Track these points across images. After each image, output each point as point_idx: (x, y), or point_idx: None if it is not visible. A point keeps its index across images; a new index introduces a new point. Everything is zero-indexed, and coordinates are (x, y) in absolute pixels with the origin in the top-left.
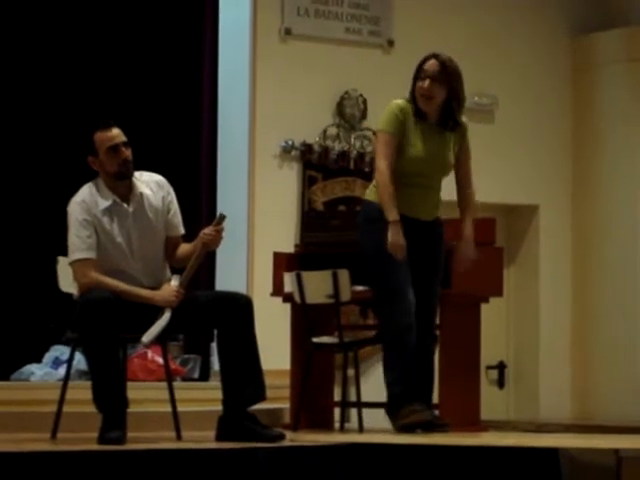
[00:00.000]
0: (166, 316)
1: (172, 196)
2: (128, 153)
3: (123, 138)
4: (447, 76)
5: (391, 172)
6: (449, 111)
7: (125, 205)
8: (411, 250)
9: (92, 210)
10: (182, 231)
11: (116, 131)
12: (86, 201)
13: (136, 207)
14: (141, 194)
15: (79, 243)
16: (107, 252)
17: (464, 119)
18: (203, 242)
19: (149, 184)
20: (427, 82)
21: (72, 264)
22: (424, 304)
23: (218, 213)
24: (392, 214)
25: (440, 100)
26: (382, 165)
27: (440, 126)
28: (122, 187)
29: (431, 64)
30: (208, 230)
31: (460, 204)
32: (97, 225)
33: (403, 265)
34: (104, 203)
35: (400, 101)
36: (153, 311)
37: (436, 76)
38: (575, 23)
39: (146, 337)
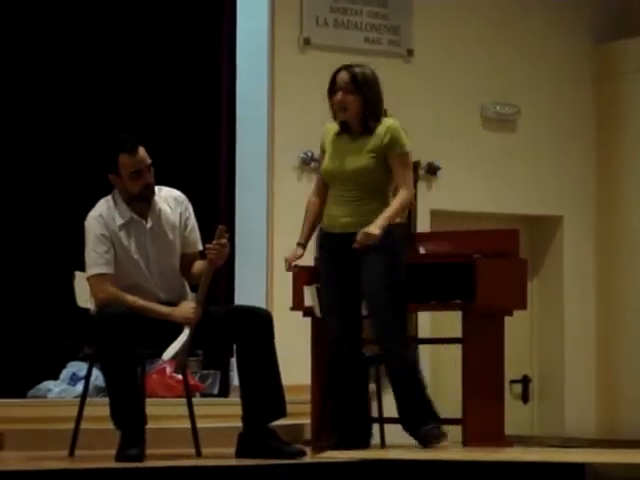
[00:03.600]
0: (185, 333)
1: (190, 212)
2: (151, 177)
3: (148, 161)
4: (358, 86)
5: (313, 198)
6: (365, 118)
7: (143, 221)
8: (342, 267)
9: (109, 225)
10: (199, 248)
11: (141, 154)
12: (103, 216)
13: (154, 223)
14: (159, 210)
15: (96, 258)
16: (124, 267)
17: (389, 121)
18: (209, 259)
19: (167, 200)
20: (340, 94)
21: (89, 279)
22: (353, 320)
23: (218, 227)
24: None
25: (355, 110)
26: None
27: (362, 136)
28: (141, 204)
29: (341, 76)
30: (211, 245)
31: None
32: (114, 240)
33: (326, 290)
34: (122, 219)
35: (328, 125)
36: (171, 327)
37: (347, 87)
38: (598, 31)
39: (166, 354)
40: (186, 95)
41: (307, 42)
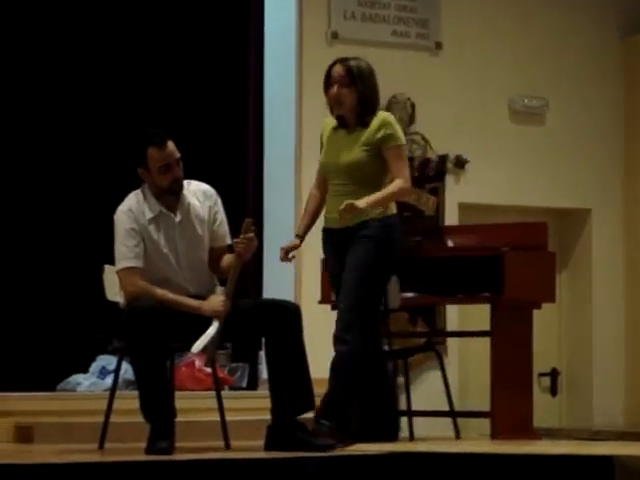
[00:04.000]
0: (215, 326)
1: (219, 206)
2: (180, 171)
3: (177, 155)
4: (353, 79)
5: (314, 191)
6: (359, 111)
7: (172, 215)
8: (338, 260)
9: (139, 219)
10: (228, 241)
11: (170, 148)
12: (133, 210)
13: (183, 217)
14: (188, 204)
15: (126, 252)
16: (154, 261)
17: (382, 115)
18: (236, 252)
19: (196, 194)
20: (335, 88)
21: (119, 273)
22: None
23: (245, 220)
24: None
25: (350, 103)
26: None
27: (357, 129)
28: (170, 198)
29: (336, 70)
30: (238, 240)
31: None
32: (144, 234)
33: (332, 276)
34: (151, 212)
35: (327, 119)
36: (200, 320)
37: (342, 80)
38: (626, 24)
39: (195, 347)
40: (214, 90)
41: (335, 36)
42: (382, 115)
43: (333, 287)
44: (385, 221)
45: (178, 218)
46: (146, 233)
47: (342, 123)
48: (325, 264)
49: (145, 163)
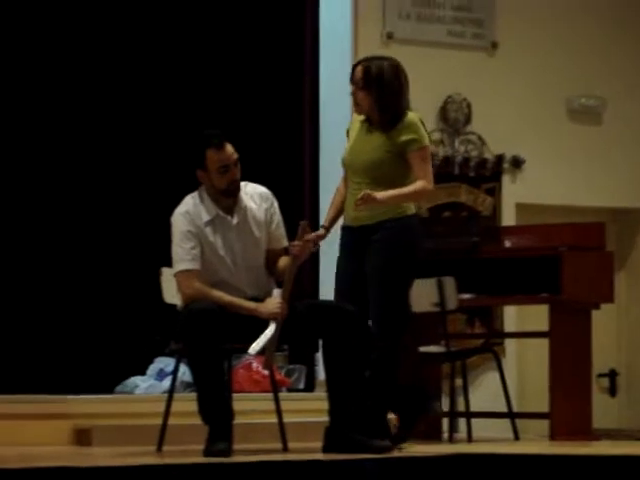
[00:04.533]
0: (272, 328)
1: (275, 208)
2: (238, 172)
3: (235, 157)
4: (369, 83)
5: (340, 184)
6: (379, 113)
7: (229, 217)
8: (355, 257)
9: (196, 221)
10: (284, 244)
11: (229, 150)
12: (190, 212)
13: (240, 220)
14: (245, 206)
15: (183, 254)
16: (211, 264)
17: (410, 117)
18: (292, 254)
19: (253, 196)
20: (352, 89)
21: (176, 275)
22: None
23: (300, 223)
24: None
25: (367, 106)
26: None
27: (381, 127)
28: (227, 200)
29: (356, 71)
30: (294, 242)
31: None
32: (201, 237)
33: (338, 274)
34: (208, 215)
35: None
36: (257, 322)
37: (359, 83)
38: None
39: (252, 349)
40: (270, 91)
41: (390, 36)
42: (409, 117)
43: (337, 285)
44: (403, 221)
45: (235, 220)
46: (203, 236)
47: (369, 119)
48: (339, 261)
49: (204, 165)
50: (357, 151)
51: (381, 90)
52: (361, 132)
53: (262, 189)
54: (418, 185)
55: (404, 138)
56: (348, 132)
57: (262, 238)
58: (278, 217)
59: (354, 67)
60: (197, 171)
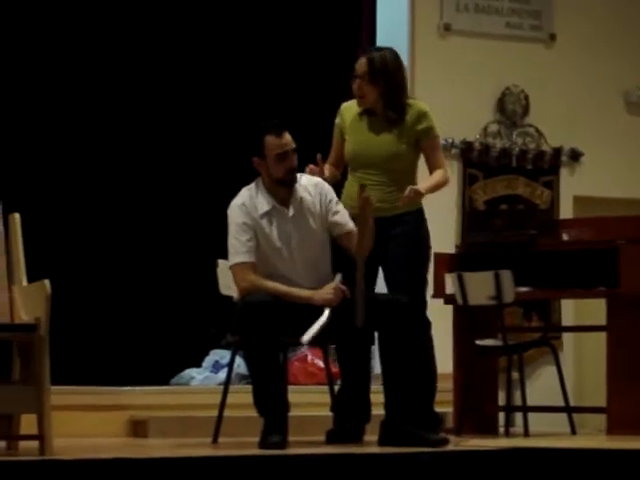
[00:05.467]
0: (325, 314)
1: (330, 196)
2: (295, 161)
3: (293, 145)
4: (375, 75)
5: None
6: (387, 106)
7: (285, 209)
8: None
9: (252, 214)
10: (351, 226)
11: (287, 137)
12: (246, 204)
13: (296, 211)
14: (301, 198)
15: (239, 246)
16: (267, 256)
17: (419, 106)
18: (360, 208)
19: (307, 188)
20: (357, 82)
21: (231, 268)
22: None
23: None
24: None
25: (372, 98)
26: None
27: (387, 119)
28: (283, 191)
29: (360, 63)
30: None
31: None
32: (257, 229)
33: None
34: (264, 207)
35: (346, 102)
36: (314, 312)
37: (364, 75)
38: None
39: (306, 336)
40: (326, 83)
41: (447, 28)
42: (418, 106)
43: None
44: (419, 214)
45: (291, 212)
46: (259, 227)
47: (368, 111)
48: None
49: (262, 152)
50: (371, 145)
51: (387, 81)
52: (362, 124)
53: (316, 179)
54: (442, 175)
55: (420, 127)
56: (339, 124)
57: (318, 229)
58: (335, 204)
59: (356, 61)
60: (254, 159)
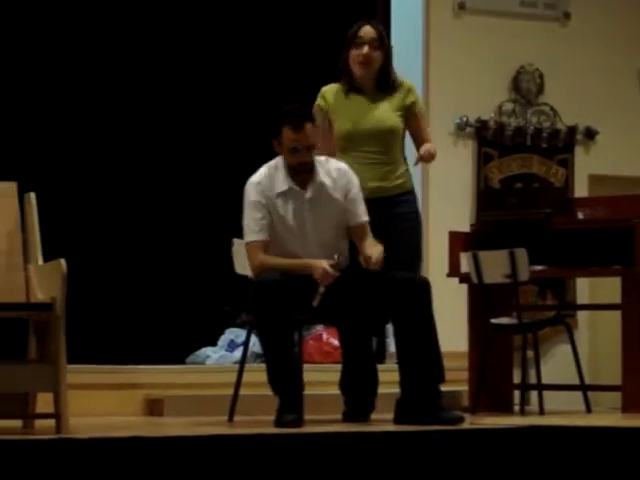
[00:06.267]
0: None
1: (353, 184)
2: (309, 157)
3: (309, 142)
4: (382, 42)
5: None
6: (384, 77)
7: (302, 191)
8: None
9: (267, 192)
10: (364, 219)
11: (306, 133)
12: (262, 183)
13: (313, 194)
14: (321, 182)
15: (252, 225)
16: (281, 236)
17: (407, 82)
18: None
19: (330, 172)
20: (365, 48)
21: (246, 245)
22: None
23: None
24: None
25: (377, 65)
26: None
27: (378, 93)
28: (301, 174)
29: (367, 30)
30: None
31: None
32: (270, 208)
33: None
34: (281, 187)
35: (326, 86)
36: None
37: (373, 42)
38: None
39: (315, 301)
40: (339, 71)
41: (462, 7)
42: (404, 80)
43: None
44: (414, 194)
45: (309, 195)
46: (273, 207)
47: (354, 88)
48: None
49: (279, 138)
50: (369, 119)
51: (389, 49)
52: (351, 101)
53: (341, 165)
54: (434, 147)
55: (411, 99)
56: (324, 105)
57: (335, 214)
58: (354, 194)
59: (358, 28)
60: (274, 142)
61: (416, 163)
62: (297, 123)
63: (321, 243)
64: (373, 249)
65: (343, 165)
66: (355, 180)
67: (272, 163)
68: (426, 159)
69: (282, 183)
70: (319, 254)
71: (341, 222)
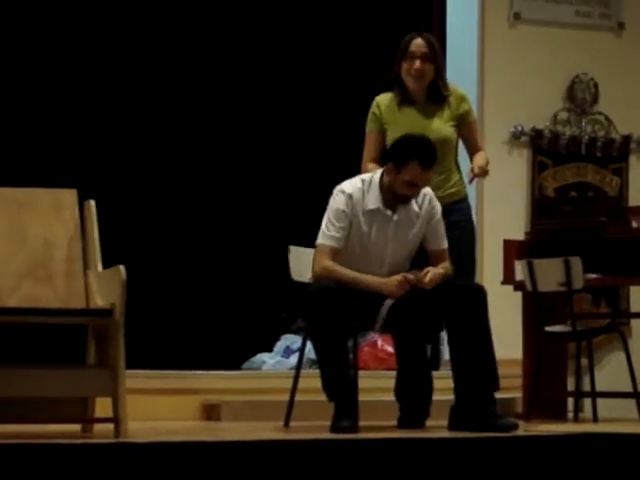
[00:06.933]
0: (387, 302)
1: (436, 211)
2: (417, 193)
3: (427, 183)
4: (434, 54)
5: (372, 165)
6: (435, 89)
7: (390, 213)
8: None
9: (356, 207)
10: (443, 245)
11: (428, 176)
12: (354, 197)
13: (400, 218)
14: (409, 207)
15: (331, 229)
16: (355, 254)
17: (459, 90)
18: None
19: (417, 197)
20: (417, 62)
21: (317, 246)
22: None
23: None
24: None
25: (429, 78)
26: (362, 168)
27: (430, 105)
28: (394, 199)
29: (419, 44)
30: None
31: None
32: (353, 222)
33: None
34: (371, 204)
35: (380, 95)
36: (380, 299)
37: (425, 55)
38: None
39: (376, 328)
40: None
41: (517, 17)
42: (456, 88)
43: None
44: (468, 202)
45: (396, 217)
46: (356, 221)
47: (407, 99)
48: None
49: (400, 165)
50: (418, 128)
51: (441, 60)
52: (403, 113)
53: (427, 190)
54: (486, 156)
55: (464, 108)
56: (379, 117)
57: (415, 239)
58: (437, 219)
59: (410, 41)
60: (389, 163)
61: (470, 181)
62: (428, 162)
63: (393, 264)
64: (432, 270)
65: (428, 190)
66: (438, 206)
67: (367, 178)
68: (479, 176)
69: (373, 201)
70: (386, 274)
71: (416, 246)
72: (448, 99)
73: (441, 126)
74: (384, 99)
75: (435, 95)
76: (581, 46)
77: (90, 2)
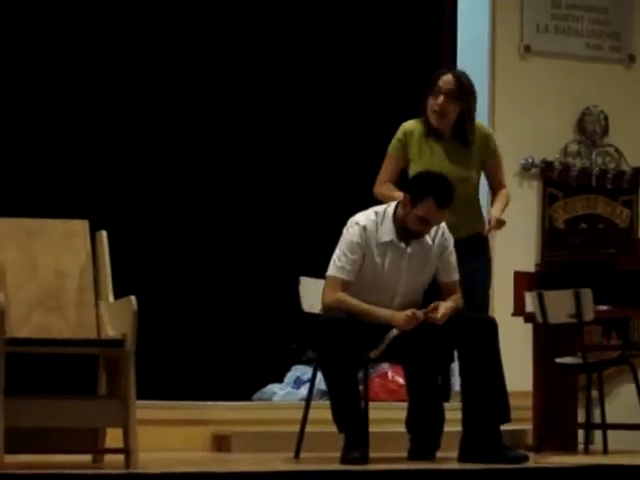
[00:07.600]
0: (393, 332)
1: (449, 243)
2: (429, 229)
3: (441, 223)
4: (462, 93)
5: (394, 191)
6: (462, 129)
7: (403, 245)
8: None
9: (369, 239)
10: (454, 277)
11: (442, 215)
12: (367, 229)
13: (414, 250)
14: (423, 240)
15: (343, 261)
16: (367, 285)
17: (485, 129)
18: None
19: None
20: (441, 98)
21: (327, 277)
22: None
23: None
24: None
25: (453, 116)
26: (375, 188)
27: (456, 142)
28: (407, 233)
29: (446, 80)
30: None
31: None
32: (367, 254)
33: None
34: (385, 237)
35: (408, 122)
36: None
37: (451, 93)
38: None
39: (373, 353)
40: (406, 102)
41: (528, 49)
42: (483, 128)
43: None
44: (483, 236)
45: (409, 250)
46: (370, 254)
47: (433, 132)
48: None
49: (416, 200)
50: (437, 166)
51: (469, 101)
52: (429, 145)
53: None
54: (508, 194)
55: (488, 149)
56: (405, 140)
57: (428, 271)
58: (450, 252)
59: (439, 76)
60: (406, 195)
61: (487, 233)
62: (445, 202)
63: (405, 296)
64: (442, 305)
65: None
66: (451, 239)
67: (380, 210)
68: (495, 229)
69: (387, 234)
70: (398, 306)
71: (428, 278)
72: (475, 138)
73: (464, 168)
74: (411, 127)
75: (460, 136)
76: (591, 78)
77: (90, 19)
